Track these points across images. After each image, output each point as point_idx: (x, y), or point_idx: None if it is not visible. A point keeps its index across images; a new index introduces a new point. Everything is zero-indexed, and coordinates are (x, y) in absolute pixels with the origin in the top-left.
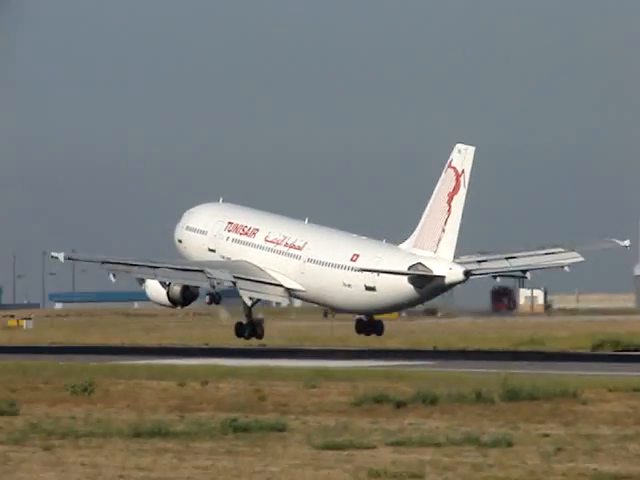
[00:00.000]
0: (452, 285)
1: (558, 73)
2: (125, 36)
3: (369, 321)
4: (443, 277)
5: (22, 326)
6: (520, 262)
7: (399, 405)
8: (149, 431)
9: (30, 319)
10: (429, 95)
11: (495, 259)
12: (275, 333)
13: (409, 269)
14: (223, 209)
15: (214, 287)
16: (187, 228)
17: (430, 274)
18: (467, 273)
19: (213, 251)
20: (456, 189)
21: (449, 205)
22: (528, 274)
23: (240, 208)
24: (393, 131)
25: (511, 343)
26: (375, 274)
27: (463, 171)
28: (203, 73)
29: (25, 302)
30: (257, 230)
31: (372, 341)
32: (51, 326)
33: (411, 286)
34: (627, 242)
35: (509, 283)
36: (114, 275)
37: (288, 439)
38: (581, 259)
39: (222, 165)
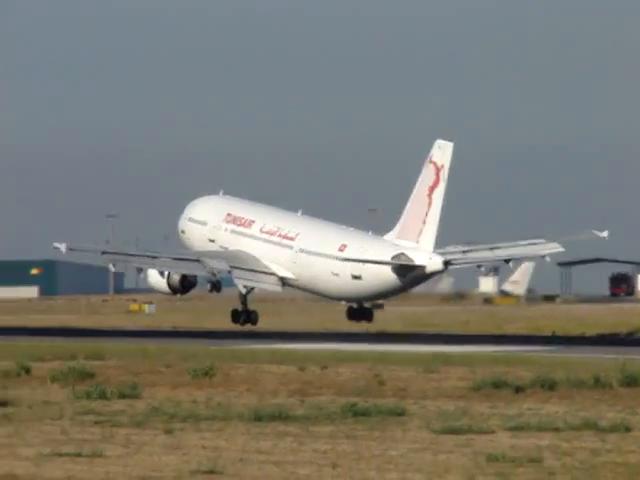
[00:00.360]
0: (432, 274)
1: (539, 68)
2: (127, 28)
3: (359, 308)
4: (424, 266)
5: (144, 310)
6: (503, 252)
7: (518, 390)
8: (269, 415)
9: (152, 303)
10: (416, 93)
11: (479, 249)
12: (395, 318)
13: (392, 259)
14: (223, 201)
15: (215, 275)
16: (189, 219)
17: (412, 264)
18: (446, 263)
19: (213, 241)
20: (436, 183)
21: (430, 198)
22: (511, 263)
23: (239, 200)
24: (380, 130)
25: (629, 329)
26: (361, 263)
27: (443, 166)
28: (203, 67)
29: (147, 286)
30: (253, 221)
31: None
32: (173, 310)
33: (394, 275)
34: (605, 233)
35: (628, 270)
36: (114, 265)
37: (407, 424)
38: (561, 249)
39: (223, 159)
